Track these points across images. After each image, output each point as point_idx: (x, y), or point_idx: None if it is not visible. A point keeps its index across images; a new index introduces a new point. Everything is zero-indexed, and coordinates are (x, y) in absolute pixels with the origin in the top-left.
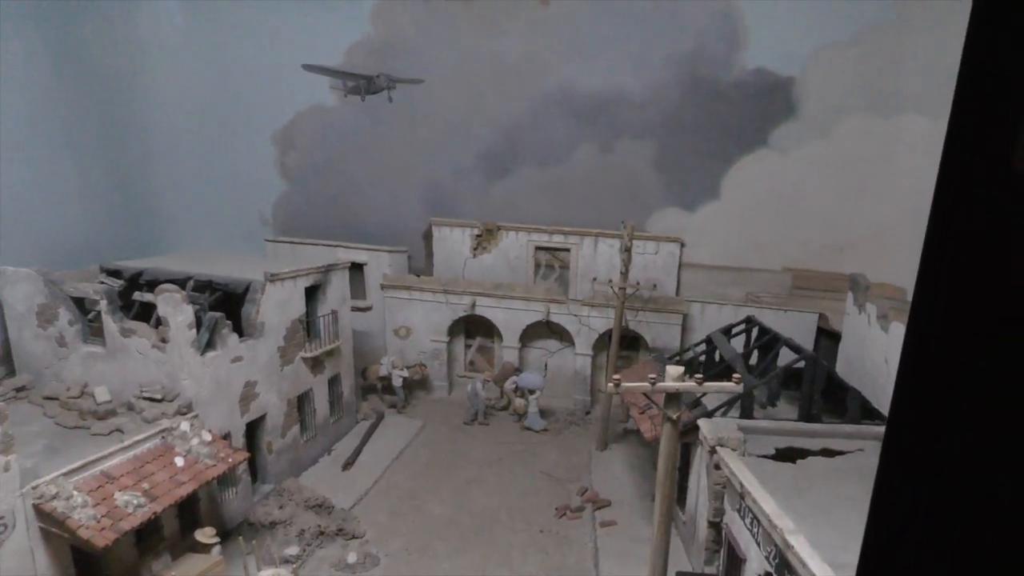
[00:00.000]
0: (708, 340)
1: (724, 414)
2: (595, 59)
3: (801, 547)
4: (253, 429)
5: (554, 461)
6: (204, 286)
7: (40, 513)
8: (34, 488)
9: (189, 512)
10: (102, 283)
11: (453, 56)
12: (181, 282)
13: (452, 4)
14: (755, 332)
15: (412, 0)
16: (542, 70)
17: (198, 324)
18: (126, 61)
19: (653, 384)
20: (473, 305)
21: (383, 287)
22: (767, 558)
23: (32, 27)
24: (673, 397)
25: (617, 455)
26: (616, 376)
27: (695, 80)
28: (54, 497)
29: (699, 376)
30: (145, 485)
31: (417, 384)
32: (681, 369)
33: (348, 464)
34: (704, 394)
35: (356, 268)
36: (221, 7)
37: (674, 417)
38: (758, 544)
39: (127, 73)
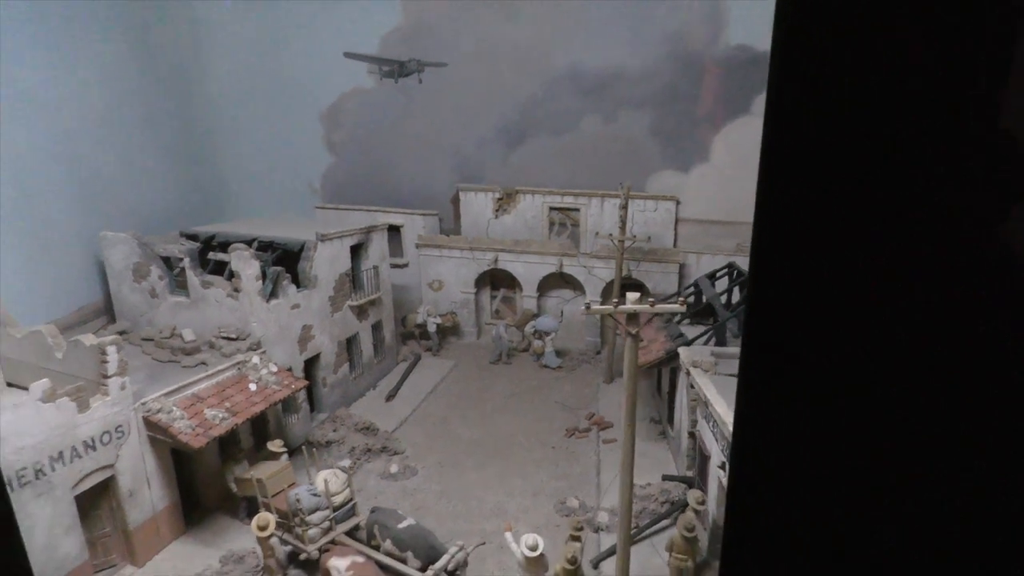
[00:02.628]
0: (695, 284)
1: (706, 342)
2: (598, 40)
3: None
4: (310, 366)
5: (567, 393)
6: (267, 245)
7: (148, 423)
8: (143, 404)
9: (261, 431)
10: (184, 245)
11: (473, 41)
12: (247, 243)
13: None
14: (736, 275)
15: None
16: (551, 51)
17: (263, 277)
18: (193, 55)
19: (616, 307)
20: (496, 260)
21: (418, 246)
22: (723, 451)
23: (117, 31)
24: (632, 317)
25: (621, 387)
26: (587, 301)
27: (685, 56)
28: (159, 411)
29: (651, 300)
30: (227, 404)
31: (449, 330)
32: (638, 294)
33: (390, 396)
34: (656, 313)
35: (394, 230)
36: (276, 7)
37: (634, 332)
38: (716, 440)
39: (194, 65)
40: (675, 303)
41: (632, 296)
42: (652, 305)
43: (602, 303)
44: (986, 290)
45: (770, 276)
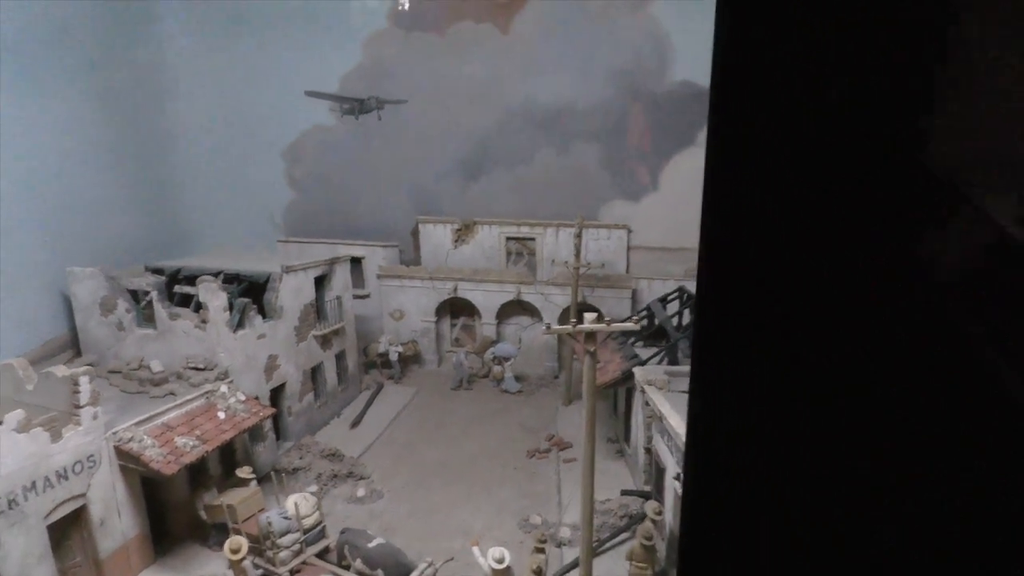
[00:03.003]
0: (648, 308)
1: (659, 362)
2: (549, 77)
3: None
4: (276, 395)
5: (527, 415)
6: (232, 278)
7: (119, 452)
8: (114, 434)
9: (229, 459)
10: (150, 278)
11: (431, 79)
12: (213, 275)
13: (429, 35)
14: (686, 298)
15: (396, 33)
16: (506, 88)
17: (230, 308)
18: (156, 95)
19: (574, 326)
20: (455, 289)
21: (379, 277)
22: (678, 463)
23: (82, 72)
24: (590, 335)
25: (579, 409)
26: (547, 323)
27: (633, 91)
28: (130, 440)
29: (608, 319)
30: (197, 432)
31: (410, 359)
32: (595, 315)
33: (355, 423)
34: (611, 333)
35: (355, 262)
36: (237, 48)
37: (591, 350)
38: (671, 453)
39: (157, 104)
40: (630, 322)
41: (590, 316)
42: (608, 324)
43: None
44: (918, 315)
45: (715, 289)
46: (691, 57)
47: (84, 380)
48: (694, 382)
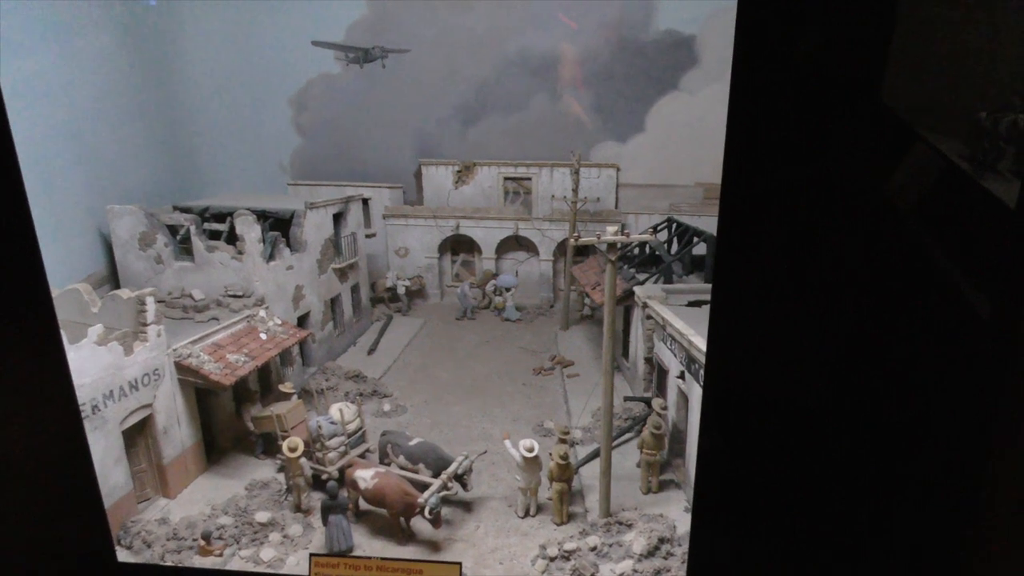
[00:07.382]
0: (654, 227)
1: (656, 281)
2: (543, 28)
3: (699, 342)
4: (301, 323)
5: (529, 340)
6: (260, 214)
7: (180, 367)
8: (174, 350)
9: (265, 380)
10: (183, 215)
11: (433, 29)
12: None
13: None
14: (674, 227)
15: None
16: (502, 38)
17: (262, 241)
18: (171, 47)
19: (598, 238)
20: (457, 227)
21: (385, 216)
22: (680, 362)
23: (103, 27)
24: (611, 246)
25: (576, 333)
26: (576, 234)
27: (620, 40)
28: (188, 356)
29: (626, 231)
30: (245, 350)
31: (416, 293)
32: (616, 227)
33: (372, 350)
34: (629, 243)
35: (363, 203)
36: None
37: (612, 259)
38: (674, 355)
39: (177, 57)
40: (644, 235)
41: (611, 229)
42: (627, 235)
43: (554, 261)
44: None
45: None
46: (674, 7)
47: (150, 300)
48: (715, 302)
